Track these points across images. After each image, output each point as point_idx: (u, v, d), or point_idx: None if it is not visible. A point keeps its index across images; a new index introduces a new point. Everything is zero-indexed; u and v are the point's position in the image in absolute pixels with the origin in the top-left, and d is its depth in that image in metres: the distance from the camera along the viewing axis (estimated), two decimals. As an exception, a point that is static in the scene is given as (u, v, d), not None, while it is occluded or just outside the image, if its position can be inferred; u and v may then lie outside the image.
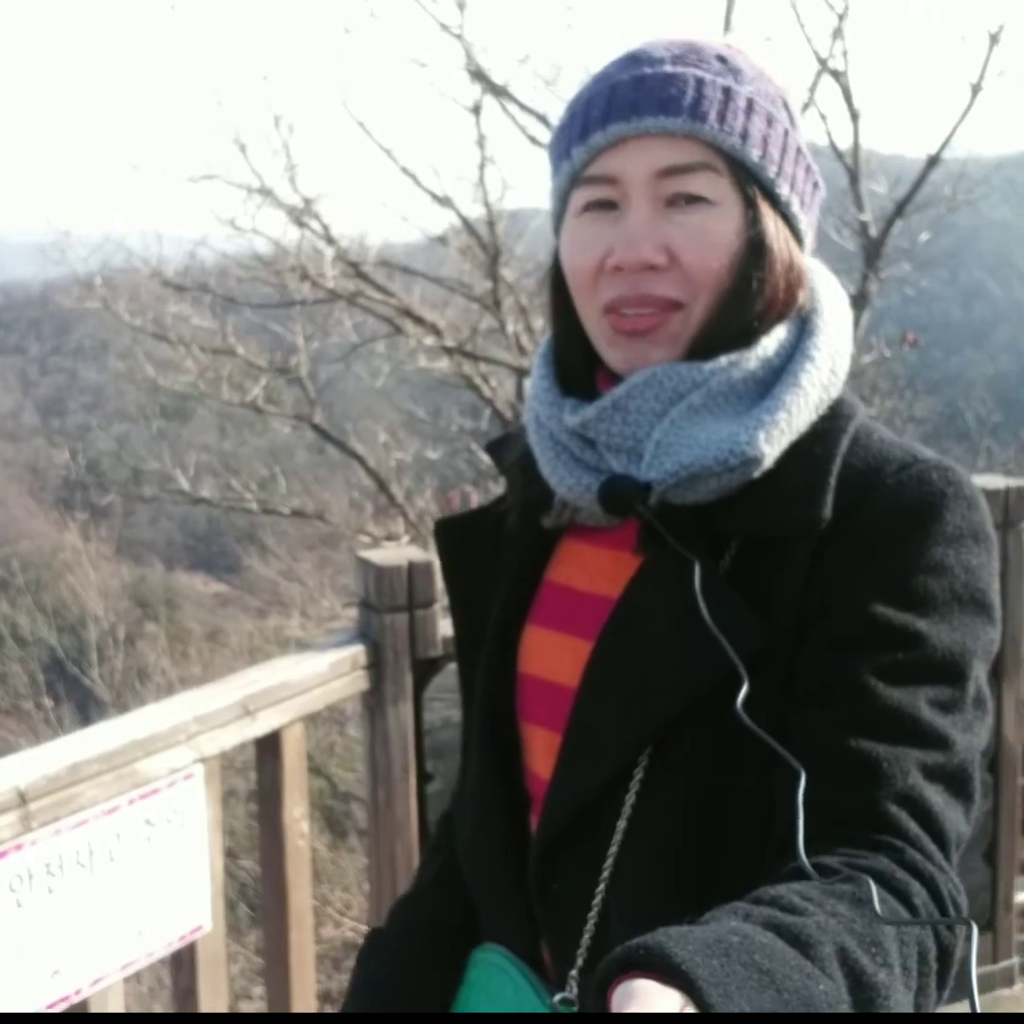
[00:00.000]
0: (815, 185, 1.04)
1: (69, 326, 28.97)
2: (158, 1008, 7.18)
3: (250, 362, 10.49)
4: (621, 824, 0.97)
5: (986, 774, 3.03)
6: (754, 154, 0.97)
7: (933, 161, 9.19)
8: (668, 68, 0.98)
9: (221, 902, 2.16)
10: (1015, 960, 3.13)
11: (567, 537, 1.08)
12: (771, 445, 0.95)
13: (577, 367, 1.05)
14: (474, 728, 1.10)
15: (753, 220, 0.97)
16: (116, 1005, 1.96)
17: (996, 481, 2.97)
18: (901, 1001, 0.77)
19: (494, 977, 1.06)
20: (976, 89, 9.01)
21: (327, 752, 9.84)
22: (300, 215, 9.72)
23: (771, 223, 0.98)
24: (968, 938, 0.70)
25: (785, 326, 1.00)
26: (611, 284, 0.98)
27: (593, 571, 1.05)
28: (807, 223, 1.03)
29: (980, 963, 2.92)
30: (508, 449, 1.14)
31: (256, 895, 8.15)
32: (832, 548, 0.94)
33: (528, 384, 1.11)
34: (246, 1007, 7.22)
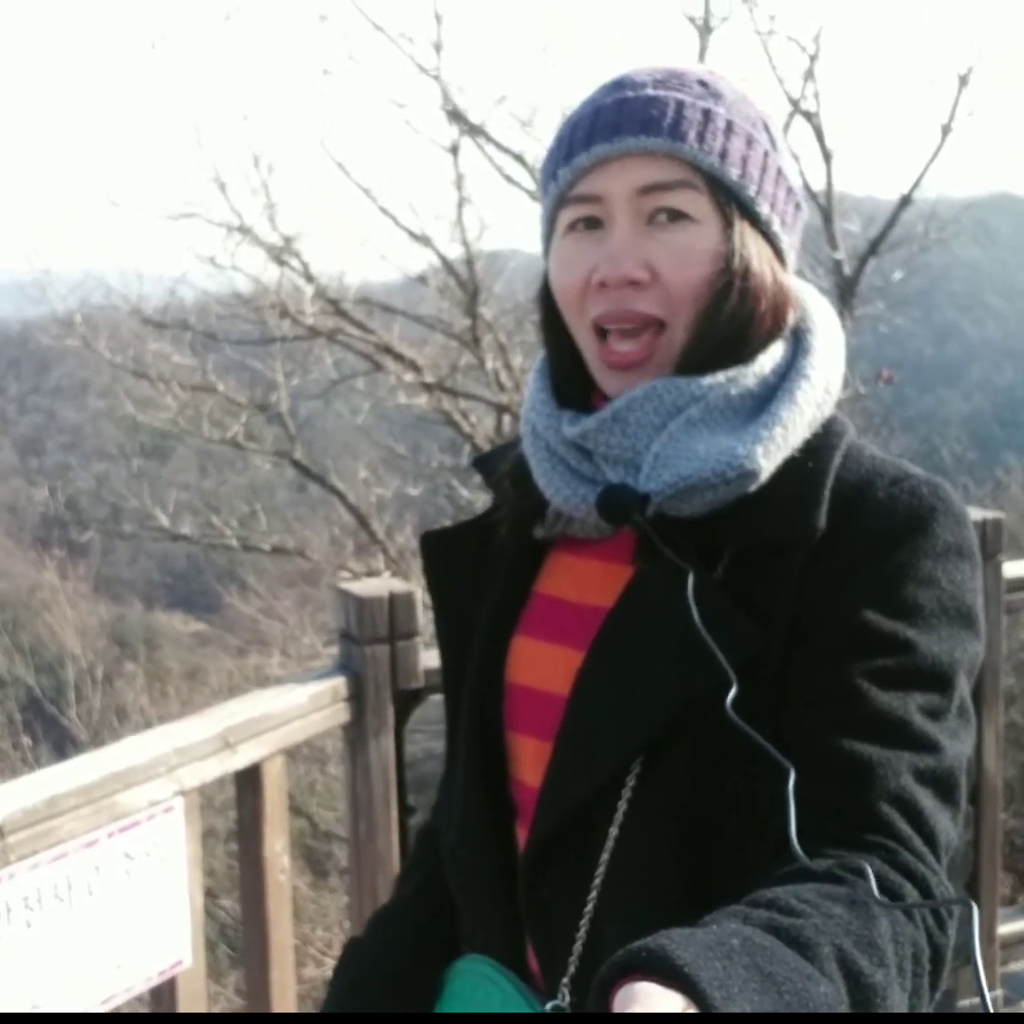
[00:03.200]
0: (797, 206, 1.05)
1: (48, 365, 28.91)
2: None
3: (230, 399, 10.50)
4: (613, 831, 0.97)
5: (967, 805, 3.03)
6: (733, 173, 0.99)
7: (905, 201, 9.34)
8: (650, 91, 1.00)
9: (201, 938, 2.14)
10: (998, 992, 3.12)
11: (556, 549, 1.09)
12: (768, 459, 0.97)
13: (571, 382, 1.07)
14: (461, 737, 1.10)
15: (733, 238, 0.99)
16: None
17: (972, 513, 2.98)
18: (897, 1001, 0.79)
19: (480, 986, 1.06)
20: (946, 130, 9.19)
21: (307, 791, 9.75)
22: (280, 253, 9.77)
23: (751, 241, 1.00)
24: (970, 917, 0.70)
25: (780, 344, 1.02)
26: (597, 301, 1.00)
27: (584, 583, 1.06)
28: (789, 243, 1.05)
29: (963, 995, 2.91)
30: (497, 462, 1.15)
31: (237, 936, 8.04)
32: (824, 558, 0.96)
33: (525, 397, 1.12)
34: (225, 1051, 7.09)
